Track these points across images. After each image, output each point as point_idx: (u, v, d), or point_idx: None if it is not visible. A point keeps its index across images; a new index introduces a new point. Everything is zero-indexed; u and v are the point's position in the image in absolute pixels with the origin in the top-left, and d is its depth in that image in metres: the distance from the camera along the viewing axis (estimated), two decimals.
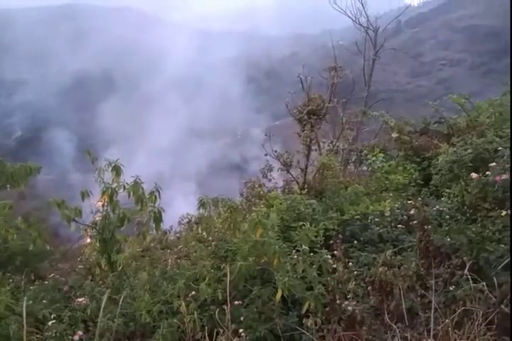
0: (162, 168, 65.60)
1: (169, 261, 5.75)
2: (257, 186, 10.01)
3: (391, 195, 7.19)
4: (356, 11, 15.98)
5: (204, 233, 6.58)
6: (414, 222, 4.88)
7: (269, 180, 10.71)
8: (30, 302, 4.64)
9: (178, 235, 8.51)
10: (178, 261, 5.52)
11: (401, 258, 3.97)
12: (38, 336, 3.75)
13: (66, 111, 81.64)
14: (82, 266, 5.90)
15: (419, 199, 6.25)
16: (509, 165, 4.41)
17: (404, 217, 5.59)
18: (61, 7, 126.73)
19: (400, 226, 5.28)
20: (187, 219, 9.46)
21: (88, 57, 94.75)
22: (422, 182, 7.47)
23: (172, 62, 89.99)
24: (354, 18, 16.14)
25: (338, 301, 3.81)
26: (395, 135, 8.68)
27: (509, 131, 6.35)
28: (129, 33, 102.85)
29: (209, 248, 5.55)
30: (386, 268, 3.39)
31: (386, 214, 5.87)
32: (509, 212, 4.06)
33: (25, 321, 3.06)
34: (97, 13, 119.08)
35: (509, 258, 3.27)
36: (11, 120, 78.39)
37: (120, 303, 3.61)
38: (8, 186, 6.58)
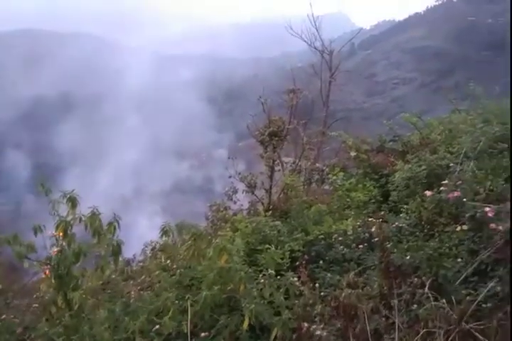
0: (125, 190, 64.13)
1: (132, 293, 5.52)
2: (222, 209, 9.94)
3: (353, 212, 7.32)
4: (311, 35, 16.62)
5: (168, 261, 6.40)
6: (376, 239, 4.97)
7: (234, 203, 10.67)
8: None
9: (141, 264, 8.22)
10: (141, 292, 5.32)
11: (365, 278, 4.01)
12: None
13: (22, 137, 78.83)
14: (37, 305, 5.56)
15: (379, 215, 6.41)
16: (460, 182, 4.61)
17: (366, 234, 5.70)
18: (16, 33, 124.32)
19: (361, 246, 5.36)
20: (151, 247, 9.18)
21: (45, 82, 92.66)
22: (382, 199, 7.65)
23: (132, 85, 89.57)
24: (309, 42, 16.74)
25: (305, 325, 3.78)
26: (353, 154, 8.93)
27: (458, 147, 6.68)
28: (87, 57, 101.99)
29: (173, 277, 5.39)
30: (350, 291, 3.41)
31: (349, 233, 5.96)
32: (464, 227, 4.22)
33: None
34: (54, 38, 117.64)
35: (465, 274, 3.38)
36: None
37: None
38: None
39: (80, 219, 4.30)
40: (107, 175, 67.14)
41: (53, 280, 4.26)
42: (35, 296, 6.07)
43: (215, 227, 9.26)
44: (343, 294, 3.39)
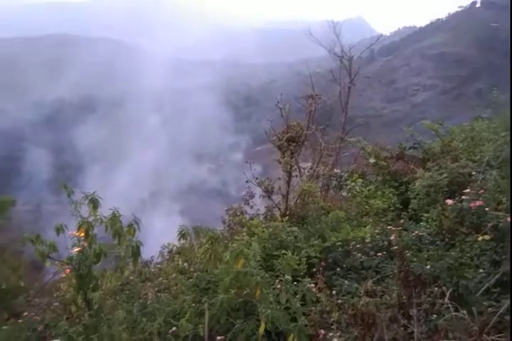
0: (142, 191, 64.96)
1: (149, 294, 5.59)
2: (238, 213, 9.96)
3: (371, 220, 7.24)
4: (331, 41, 16.64)
5: (185, 264, 6.46)
6: (395, 247, 4.91)
7: (251, 207, 10.67)
8: None
9: (159, 266, 8.31)
10: (159, 294, 5.38)
11: (383, 287, 3.97)
12: None
13: (45, 138, 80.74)
14: (57, 303, 5.68)
15: (399, 223, 6.33)
16: (482, 191, 4.53)
17: (385, 242, 5.63)
18: (41, 38, 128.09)
19: (379, 254, 5.30)
20: (168, 249, 9.26)
21: (67, 84, 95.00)
22: (401, 207, 7.56)
23: (151, 89, 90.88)
24: (329, 48, 16.75)
25: (322, 332, 3.76)
26: (372, 160, 8.86)
27: (480, 156, 6.57)
28: (109, 61, 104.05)
29: (190, 280, 5.44)
30: (368, 299, 3.37)
31: (367, 240, 5.90)
32: (486, 237, 4.14)
33: None
34: (77, 43, 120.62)
35: (487, 285, 3.32)
36: None
37: None
38: None
39: (101, 221, 4.38)
40: (125, 176, 68.31)
41: (74, 280, 4.34)
42: (55, 295, 6.21)
43: (231, 231, 9.28)
44: (361, 302, 3.36)
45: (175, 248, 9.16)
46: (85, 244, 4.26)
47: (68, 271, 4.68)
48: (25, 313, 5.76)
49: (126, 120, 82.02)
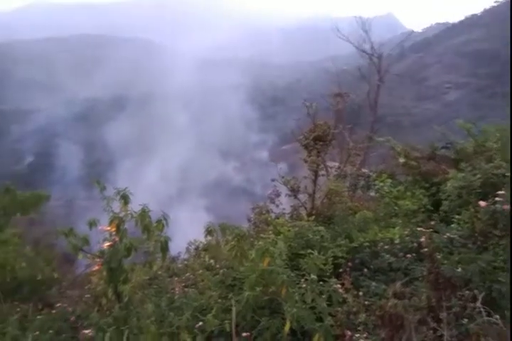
0: (169, 187, 66.12)
1: (176, 289, 5.70)
2: (264, 212, 9.97)
3: (400, 221, 7.11)
4: (359, 37, 16.39)
5: (211, 261, 6.54)
6: (425, 249, 4.81)
7: (277, 206, 10.67)
8: (37, 333, 4.64)
9: (185, 262, 8.45)
10: (186, 289, 5.48)
11: (412, 289, 3.90)
12: None
13: (77, 136, 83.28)
14: (89, 296, 5.88)
15: (430, 224, 6.18)
16: None
17: (415, 244, 5.52)
18: (74, 38, 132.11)
19: (409, 256, 5.20)
20: (194, 246, 9.39)
21: (98, 83, 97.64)
22: (432, 208, 7.37)
23: (179, 88, 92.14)
24: (357, 45, 16.52)
25: (349, 333, 3.73)
26: (402, 160, 8.68)
27: None
28: (138, 61, 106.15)
29: (216, 276, 5.50)
30: (396, 301, 3.32)
31: (396, 242, 5.80)
32: None
33: None
34: (107, 43, 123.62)
35: None
36: (23, 146, 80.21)
37: (126, 335, 3.55)
38: (19, 214, 6.67)
39: (132, 216, 4.50)
40: (153, 172, 69.84)
41: (105, 273, 4.47)
42: (87, 287, 6.42)
43: (257, 229, 9.31)
44: (389, 304, 3.31)
45: (201, 244, 9.28)
46: (116, 239, 4.38)
47: (100, 264, 4.83)
48: (58, 304, 5.99)
49: (155, 118, 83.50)
